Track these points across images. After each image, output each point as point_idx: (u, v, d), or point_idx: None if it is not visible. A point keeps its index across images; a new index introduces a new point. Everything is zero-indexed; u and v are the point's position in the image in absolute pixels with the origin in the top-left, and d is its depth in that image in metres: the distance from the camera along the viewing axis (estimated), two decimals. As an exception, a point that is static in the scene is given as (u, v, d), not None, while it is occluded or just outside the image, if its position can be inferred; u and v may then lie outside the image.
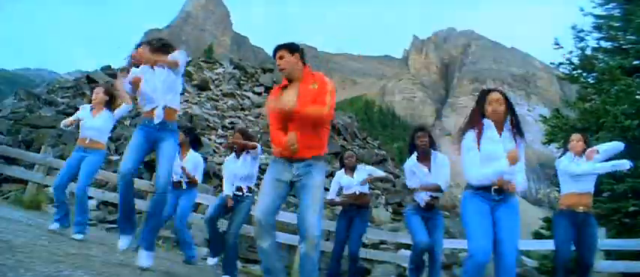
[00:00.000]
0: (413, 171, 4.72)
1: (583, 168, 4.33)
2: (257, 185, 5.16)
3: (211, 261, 5.31)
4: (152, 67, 3.68)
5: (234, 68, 36.14)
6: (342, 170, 5.69)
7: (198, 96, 27.93)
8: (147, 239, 3.54)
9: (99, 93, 5.09)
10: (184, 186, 5.41)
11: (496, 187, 2.99)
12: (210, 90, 30.53)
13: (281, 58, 3.04)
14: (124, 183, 3.52)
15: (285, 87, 3.09)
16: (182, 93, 27.60)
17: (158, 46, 3.73)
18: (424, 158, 4.69)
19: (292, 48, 3.06)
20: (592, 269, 4.37)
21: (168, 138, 3.66)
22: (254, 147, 4.93)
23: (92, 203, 10.38)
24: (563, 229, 4.33)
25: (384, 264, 9.72)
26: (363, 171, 5.56)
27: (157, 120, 3.60)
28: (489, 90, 3.14)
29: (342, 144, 25.22)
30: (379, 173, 5.82)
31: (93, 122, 4.99)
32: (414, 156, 4.75)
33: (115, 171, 10.02)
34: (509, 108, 3.07)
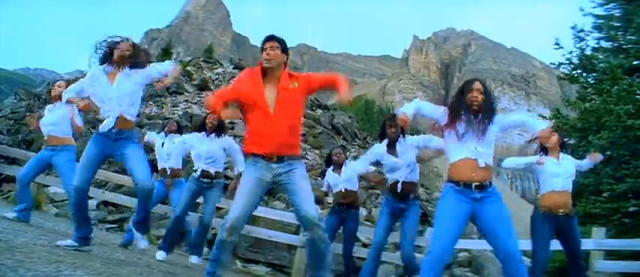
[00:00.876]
0: (382, 158, 4.66)
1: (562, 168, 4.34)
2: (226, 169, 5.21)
3: (161, 256, 4.93)
4: (117, 71, 3.57)
5: (234, 68, 36.19)
6: (330, 168, 5.63)
7: (199, 96, 27.94)
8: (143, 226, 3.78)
9: (59, 88, 4.98)
10: (168, 172, 5.60)
11: (477, 184, 2.95)
12: (211, 89, 30.53)
13: (272, 48, 2.96)
14: (79, 196, 3.53)
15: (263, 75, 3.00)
16: (178, 93, 27.67)
17: (136, 52, 3.65)
18: (393, 146, 4.64)
19: (285, 46, 3.04)
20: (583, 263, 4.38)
21: (128, 144, 3.60)
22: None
23: (92, 203, 10.38)
24: (541, 234, 4.21)
25: (383, 264, 9.72)
26: (350, 166, 5.45)
27: (103, 129, 3.53)
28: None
29: (342, 144, 25.23)
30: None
31: (49, 117, 4.99)
32: (384, 143, 4.69)
33: (115, 171, 10.04)
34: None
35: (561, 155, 4.45)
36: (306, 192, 2.90)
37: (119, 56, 3.56)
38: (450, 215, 2.94)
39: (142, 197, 3.63)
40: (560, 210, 4.21)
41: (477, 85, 3.10)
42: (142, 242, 3.81)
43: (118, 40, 3.64)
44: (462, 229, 2.96)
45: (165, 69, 3.75)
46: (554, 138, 4.41)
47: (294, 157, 2.99)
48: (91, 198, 8.27)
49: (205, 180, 5.04)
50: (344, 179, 5.46)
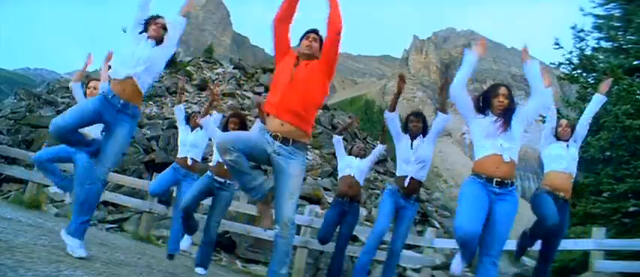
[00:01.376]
0: (400, 145, 4.74)
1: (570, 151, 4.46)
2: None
3: (186, 243, 4.98)
4: (147, 38, 3.53)
5: (234, 68, 36.14)
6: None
7: (199, 96, 27.93)
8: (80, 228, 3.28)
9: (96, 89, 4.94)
10: (190, 162, 5.35)
11: (498, 180, 3.11)
12: (211, 90, 30.47)
13: (315, 40, 3.16)
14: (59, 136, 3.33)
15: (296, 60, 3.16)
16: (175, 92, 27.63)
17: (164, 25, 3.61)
18: (412, 140, 4.72)
19: (322, 40, 3.18)
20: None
21: (124, 123, 3.41)
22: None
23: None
24: (550, 203, 4.17)
25: (381, 264, 9.71)
26: (366, 160, 5.56)
27: (108, 92, 3.38)
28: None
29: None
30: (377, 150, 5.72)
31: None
32: (407, 136, 4.75)
33: (115, 171, 10.04)
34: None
35: (571, 141, 4.56)
36: (291, 193, 2.91)
37: (154, 31, 3.56)
38: (473, 195, 3.12)
39: (90, 187, 3.32)
40: (560, 193, 4.27)
41: (503, 90, 3.36)
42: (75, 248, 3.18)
43: (154, 16, 3.64)
44: (486, 210, 3.09)
45: (177, 25, 3.65)
46: (568, 130, 4.64)
47: (300, 142, 3.02)
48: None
49: (219, 179, 4.79)
50: (361, 166, 5.47)
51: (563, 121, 4.72)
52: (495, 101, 3.31)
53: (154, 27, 3.57)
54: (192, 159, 5.37)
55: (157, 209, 6.96)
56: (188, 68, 35.47)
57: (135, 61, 3.43)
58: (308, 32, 3.22)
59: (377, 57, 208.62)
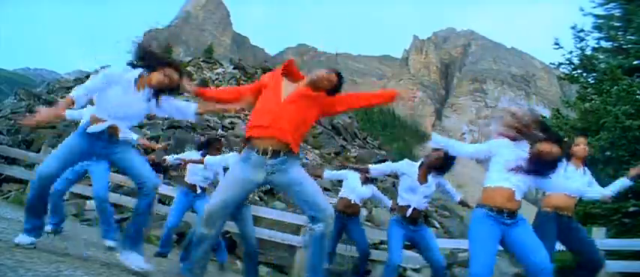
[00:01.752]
0: (408, 175, 4.60)
1: (577, 186, 4.08)
2: None
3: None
4: (141, 88, 3.17)
5: (234, 68, 36.16)
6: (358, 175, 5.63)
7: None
8: (135, 239, 3.23)
9: None
10: (198, 191, 5.36)
11: (508, 212, 3.09)
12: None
13: (333, 81, 3.13)
14: (42, 186, 3.09)
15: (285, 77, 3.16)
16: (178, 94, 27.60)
17: (176, 85, 3.27)
18: (426, 173, 4.57)
19: (339, 86, 3.18)
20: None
21: (122, 149, 3.21)
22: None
23: (91, 203, 10.37)
24: (551, 232, 4.07)
25: (384, 264, 9.70)
26: (370, 188, 5.62)
27: (92, 129, 3.12)
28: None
29: (342, 144, 25.24)
30: (384, 200, 5.84)
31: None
32: (417, 164, 4.61)
33: (115, 171, 10.01)
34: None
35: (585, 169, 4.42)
36: (315, 191, 2.92)
37: (157, 82, 3.18)
38: (486, 234, 3.07)
39: (149, 199, 3.19)
40: (565, 212, 4.18)
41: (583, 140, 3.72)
42: (137, 261, 3.19)
43: (168, 61, 3.27)
44: (497, 247, 3.11)
45: (185, 113, 3.41)
46: (584, 149, 4.41)
47: (291, 153, 2.96)
48: (90, 198, 8.26)
49: None
50: (363, 194, 5.57)
51: (581, 139, 4.50)
52: (548, 151, 3.08)
53: (161, 74, 3.17)
54: (201, 187, 5.35)
55: (157, 210, 6.95)
56: (188, 68, 35.47)
57: (122, 113, 3.17)
58: (332, 70, 3.18)
59: (377, 57, 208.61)
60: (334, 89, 3.14)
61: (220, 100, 3.32)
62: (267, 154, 2.89)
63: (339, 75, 3.17)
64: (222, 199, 2.91)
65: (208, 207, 2.91)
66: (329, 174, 5.93)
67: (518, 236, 3.08)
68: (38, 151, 7.99)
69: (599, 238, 5.01)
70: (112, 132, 3.17)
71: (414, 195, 4.49)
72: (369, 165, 5.07)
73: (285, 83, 3.08)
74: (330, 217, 2.85)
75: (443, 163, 4.42)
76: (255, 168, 2.92)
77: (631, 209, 7.72)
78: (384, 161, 5.40)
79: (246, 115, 26.54)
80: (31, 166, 7.98)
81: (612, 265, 5.06)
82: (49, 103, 21.22)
